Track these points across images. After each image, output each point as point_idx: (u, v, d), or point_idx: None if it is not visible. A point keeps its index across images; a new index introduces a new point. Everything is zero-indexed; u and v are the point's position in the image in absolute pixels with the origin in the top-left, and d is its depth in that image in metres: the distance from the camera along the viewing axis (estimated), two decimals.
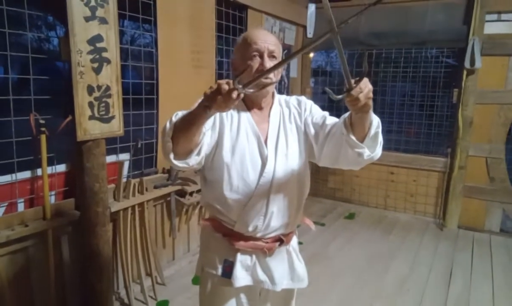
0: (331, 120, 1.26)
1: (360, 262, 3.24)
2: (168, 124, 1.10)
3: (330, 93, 0.97)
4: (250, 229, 1.27)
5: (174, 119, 1.10)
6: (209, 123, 1.20)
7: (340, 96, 0.95)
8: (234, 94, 0.94)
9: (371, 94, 0.97)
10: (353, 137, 1.11)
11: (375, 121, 1.12)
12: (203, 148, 1.16)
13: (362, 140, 1.11)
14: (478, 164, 3.96)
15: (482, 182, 3.96)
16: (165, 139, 1.10)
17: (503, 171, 3.87)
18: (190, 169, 1.21)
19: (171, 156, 1.11)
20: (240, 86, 0.95)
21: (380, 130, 1.14)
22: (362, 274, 3.02)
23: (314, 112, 1.34)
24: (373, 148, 1.14)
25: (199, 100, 1.06)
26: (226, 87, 0.94)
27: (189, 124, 1.06)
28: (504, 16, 3.73)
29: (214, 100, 0.96)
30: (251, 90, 1.03)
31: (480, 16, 3.71)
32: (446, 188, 4.12)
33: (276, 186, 1.25)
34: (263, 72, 1.08)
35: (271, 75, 1.22)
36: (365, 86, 0.95)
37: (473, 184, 4.00)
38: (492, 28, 3.76)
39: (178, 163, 1.13)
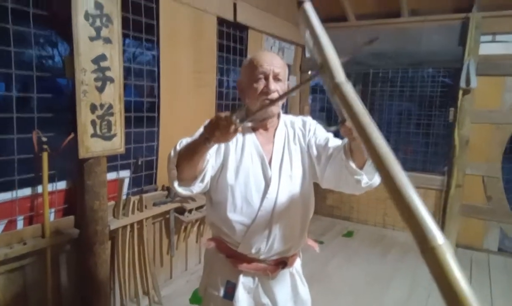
0: (334, 142, 1.27)
1: (359, 282, 3.22)
2: (172, 153, 1.14)
3: (324, 127, 1.01)
4: (253, 250, 1.27)
5: (178, 147, 1.14)
6: (213, 148, 1.22)
7: (333, 128, 0.98)
8: (232, 129, 0.97)
9: None
10: (352, 164, 1.13)
11: None
12: (207, 174, 1.18)
13: (361, 166, 1.13)
14: (475, 183, 3.98)
15: (480, 201, 3.98)
16: (170, 167, 1.14)
17: (500, 190, 3.89)
18: (195, 196, 1.24)
19: (176, 183, 1.14)
20: (238, 120, 0.97)
21: None
22: (361, 296, 3.00)
23: (318, 133, 1.35)
24: (371, 175, 1.15)
25: (201, 130, 1.09)
26: (224, 123, 0.96)
27: (192, 153, 1.09)
28: (498, 37, 3.81)
29: (212, 134, 0.99)
30: (249, 124, 1.06)
31: (475, 37, 3.79)
32: (444, 206, 4.13)
33: (280, 207, 1.26)
34: (260, 107, 1.12)
35: (277, 96, 1.24)
36: None
37: (471, 203, 4.01)
38: (487, 49, 3.83)
39: (182, 190, 1.16)
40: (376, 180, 1.17)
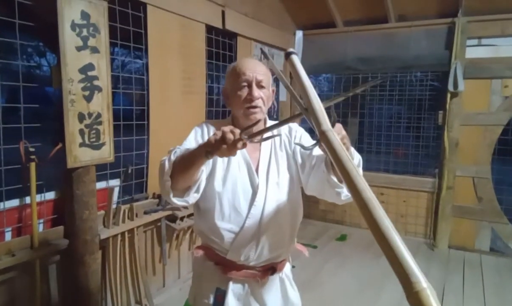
0: (319, 151, 1.26)
1: (352, 287, 3.22)
2: (167, 164, 1.11)
3: (301, 146, 1.03)
4: (242, 258, 1.27)
5: (173, 158, 1.11)
6: None
7: (311, 146, 0.98)
8: (240, 145, 0.97)
9: (345, 140, 0.98)
10: (332, 178, 1.14)
11: (356, 159, 1.15)
12: (202, 184, 1.17)
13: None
14: (466, 184, 4.02)
15: (471, 202, 4.02)
16: (165, 178, 1.11)
17: (490, 191, 3.93)
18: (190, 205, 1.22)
19: (171, 195, 1.12)
20: (246, 136, 0.98)
21: (360, 168, 1.16)
22: (355, 300, 3.00)
23: (303, 141, 1.35)
24: None
25: (192, 138, 1.08)
26: (231, 137, 0.96)
27: (189, 165, 1.08)
28: (484, 41, 3.88)
29: (218, 148, 0.98)
30: (256, 140, 1.07)
31: (461, 41, 3.85)
32: (436, 208, 4.16)
33: (268, 214, 1.25)
34: (269, 127, 1.10)
35: (261, 103, 1.25)
36: (338, 133, 0.95)
37: (462, 204, 4.05)
38: (473, 52, 3.90)
39: (177, 201, 1.15)
40: None
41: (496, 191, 3.94)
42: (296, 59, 0.98)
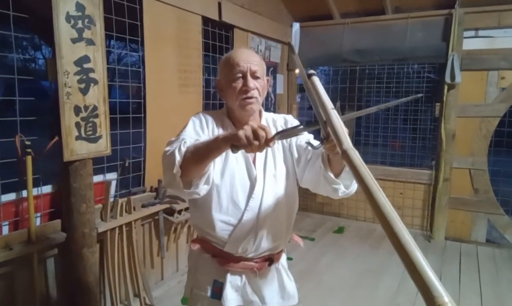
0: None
1: (350, 278, 3.24)
2: (177, 154, 1.05)
3: (310, 145, 1.05)
4: (240, 250, 1.27)
5: (183, 148, 1.06)
6: None
7: (318, 144, 1.02)
8: (272, 144, 0.97)
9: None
10: (330, 174, 1.15)
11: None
12: (211, 176, 1.14)
13: (339, 173, 1.15)
14: (462, 176, 4.04)
15: (467, 194, 4.04)
16: (175, 171, 1.05)
17: (486, 182, 3.95)
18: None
19: (181, 186, 1.08)
20: (277, 136, 0.99)
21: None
22: (353, 291, 3.02)
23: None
24: (349, 182, 1.17)
25: (216, 136, 1.05)
26: (263, 134, 0.95)
27: (204, 157, 1.05)
28: (481, 33, 3.87)
29: (249, 145, 0.95)
30: (284, 139, 1.09)
31: (458, 33, 3.84)
32: (432, 200, 4.18)
33: (266, 207, 1.26)
34: (298, 128, 1.08)
35: (256, 94, 1.24)
36: None
37: (458, 196, 4.07)
38: (470, 44, 3.90)
39: (188, 194, 1.12)
40: (353, 188, 1.20)
41: (492, 182, 3.96)
42: (317, 80, 1.06)
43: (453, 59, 3.80)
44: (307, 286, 3.03)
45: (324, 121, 0.95)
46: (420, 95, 1.41)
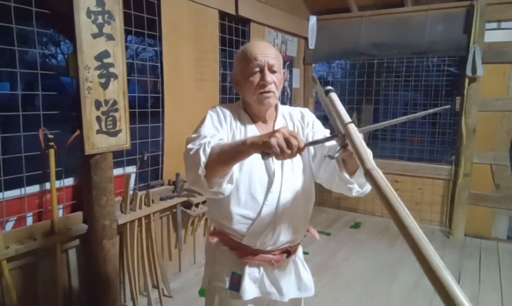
0: (330, 142, 1.23)
1: (366, 272, 3.22)
2: (202, 155, 1.05)
3: (329, 156, 1.05)
4: (258, 244, 1.27)
5: (208, 149, 1.06)
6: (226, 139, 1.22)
7: (337, 155, 1.03)
8: (303, 152, 0.99)
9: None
10: (345, 174, 1.15)
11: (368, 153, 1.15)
12: (235, 175, 1.15)
13: (353, 172, 1.16)
14: (483, 171, 3.95)
15: (488, 189, 3.95)
16: (200, 172, 1.06)
17: (508, 178, 3.85)
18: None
19: (206, 186, 1.09)
20: (308, 144, 1.03)
21: (371, 158, 1.16)
22: (369, 285, 3.00)
23: (316, 129, 1.35)
24: (364, 180, 1.15)
25: (243, 139, 1.04)
26: (296, 143, 0.95)
27: (231, 160, 1.05)
28: (504, 25, 3.76)
29: (282, 153, 0.94)
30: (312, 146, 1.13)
31: (480, 25, 3.74)
32: (452, 195, 4.11)
33: (284, 201, 1.26)
34: (327, 137, 1.11)
35: (274, 88, 1.23)
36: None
37: (479, 191, 3.99)
38: (492, 36, 3.79)
39: (213, 194, 1.13)
40: (368, 188, 1.20)
41: None
42: (335, 96, 1.09)
43: (474, 52, 3.71)
44: (323, 279, 3.03)
45: (343, 135, 0.98)
46: (448, 106, 1.36)
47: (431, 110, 1.35)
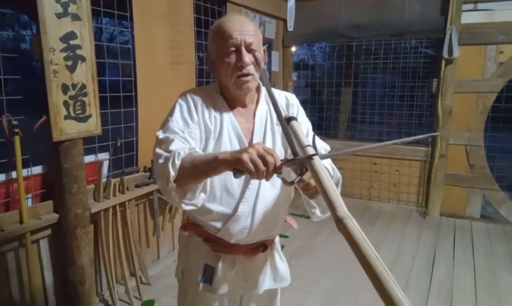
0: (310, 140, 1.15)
1: (345, 254, 3.23)
2: (171, 169, 0.97)
3: (282, 179, 0.95)
4: (233, 240, 1.19)
5: (178, 162, 0.98)
6: (197, 136, 1.12)
7: (293, 180, 0.93)
8: (280, 171, 0.89)
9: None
10: (310, 201, 1.09)
11: (335, 177, 1.10)
12: (208, 183, 1.07)
13: (316, 195, 1.05)
14: (458, 152, 4.03)
15: (463, 170, 4.04)
16: (170, 186, 0.99)
17: (482, 158, 3.95)
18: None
19: (177, 200, 1.03)
20: (286, 163, 0.91)
21: (339, 186, 1.10)
22: (347, 266, 3.04)
23: (300, 120, 1.22)
24: (325, 210, 1.10)
25: (215, 154, 0.94)
26: (272, 161, 0.85)
27: (202, 176, 0.98)
28: (480, 6, 3.79)
29: (256, 172, 0.85)
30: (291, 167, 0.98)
31: (457, 6, 3.76)
32: (428, 176, 4.19)
33: (263, 197, 1.17)
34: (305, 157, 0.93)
35: (252, 70, 1.11)
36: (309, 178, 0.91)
37: (454, 172, 4.08)
38: (468, 17, 3.82)
39: (185, 206, 1.05)
40: (328, 214, 1.13)
41: (488, 158, 3.96)
42: (297, 124, 1.05)
43: (451, 33, 3.73)
44: (302, 263, 3.05)
45: (301, 160, 0.89)
46: (436, 133, 1.28)
47: (417, 137, 1.22)
